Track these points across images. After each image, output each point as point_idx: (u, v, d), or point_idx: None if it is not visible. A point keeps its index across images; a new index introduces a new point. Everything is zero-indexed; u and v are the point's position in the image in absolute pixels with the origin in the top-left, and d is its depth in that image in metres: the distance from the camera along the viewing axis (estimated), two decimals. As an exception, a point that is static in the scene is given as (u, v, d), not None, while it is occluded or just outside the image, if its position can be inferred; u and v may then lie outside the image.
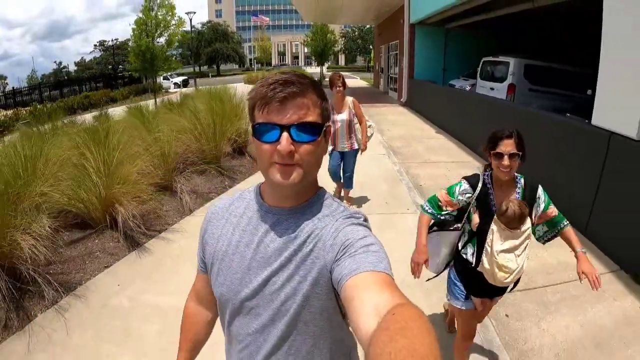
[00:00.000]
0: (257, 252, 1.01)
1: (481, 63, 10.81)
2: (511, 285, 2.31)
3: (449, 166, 7.24)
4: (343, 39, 58.27)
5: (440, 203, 2.24)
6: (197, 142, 6.34)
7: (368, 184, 6.15)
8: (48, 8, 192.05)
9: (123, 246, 4.46)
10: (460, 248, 2.33)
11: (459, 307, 2.36)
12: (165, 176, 5.36)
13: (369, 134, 5.17)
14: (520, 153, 2.05)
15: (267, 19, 68.70)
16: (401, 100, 16.26)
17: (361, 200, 5.67)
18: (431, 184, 6.22)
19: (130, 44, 19.17)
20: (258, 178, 5.36)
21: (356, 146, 5.14)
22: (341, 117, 5.01)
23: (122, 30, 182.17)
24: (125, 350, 3.04)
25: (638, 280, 3.70)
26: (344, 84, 4.92)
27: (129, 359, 2.95)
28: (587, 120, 4.82)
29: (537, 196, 2.17)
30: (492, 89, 9.85)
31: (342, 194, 5.52)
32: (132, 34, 16.37)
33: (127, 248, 4.44)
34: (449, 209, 2.24)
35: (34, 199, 4.03)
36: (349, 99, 5.07)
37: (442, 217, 2.27)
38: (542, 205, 2.17)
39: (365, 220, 1.03)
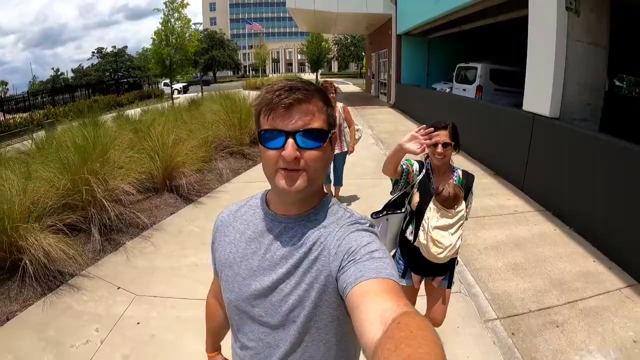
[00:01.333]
0: (263, 260, 1.01)
1: (456, 68, 12.56)
2: (450, 269, 2.60)
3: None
4: (336, 46, 59.28)
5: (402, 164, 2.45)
6: (227, 131, 7.98)
7: (359, 163, 7.76)
8: (41, 15, 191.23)
9: (181, 202, 6.03)
10: (403, 229, 2.61)
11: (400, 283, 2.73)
12: (206, 154, 6.97)
13: (357, 137, 5.69)
14: (453, 143, 2.36)
15: (262, 27, 70.21)
16: (390, 102, 17.95)
17: (354, 172, 7.19)
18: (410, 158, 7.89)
19: (149, 51, 20.67)
20: None
21: (345, 148, 5.58)
22: None
23: (115, 37, 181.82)
24: (204, 251, 4.59)
25: (557, 215, 5.22)
26: (335, 90, 5.43)
27: (207, 255, 4.52)
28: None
29: (472, 189, 2.50)
30: (464, 89, 11.58)
31: (334, 193, 5.83)
32: (152, 43, 18.15)
33: (184, 203, 6.02)
34: (407, 169, 2.44)
35: (114, 165, 5.55)
36: (339, 105, 5.51)
37: (403, 167, 2.44)
38: (471, 196, 2.52)
39: (372, 225, 1.03)
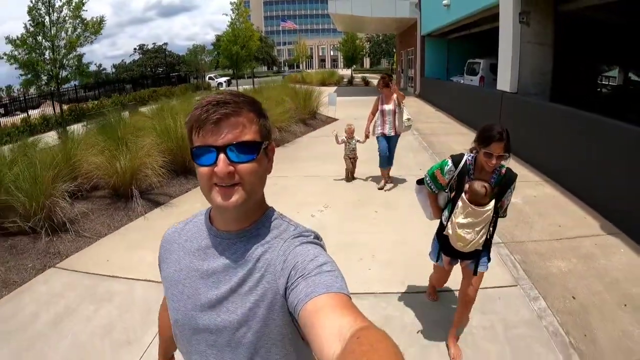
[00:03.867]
0: (207, 278, 1.01)
1: (467, 63, 15.66)
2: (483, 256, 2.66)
3: (436, 123, 12.24)
4: (368, 43, 60.50)
5: (438, 179, 2.62)
6: (295, 107, 11.57)
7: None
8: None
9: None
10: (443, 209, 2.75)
11: (433, 261, 2.93)
12: (286, 119, 10.54)
13: (407, 124, 6.27)
14: (507, 154, 2.32)
15: (295, 25, 73.22)
16: (415, 93, 21.11)
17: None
18: (425, 128, 11.23)
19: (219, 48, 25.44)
20: (326, 130, 10.63)
21: (399, 132, 6.30)
22: (388, 107, 6.10)
23: (148, 34, 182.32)
24: (293, 172, 7.85)
25: (515, 154, 8.26)
26: (387, 83, 6.18)
27: (294, 173, 7.78)
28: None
29: (512, 187, 2.47)
30: (471, 80, 14.69)
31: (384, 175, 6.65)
32: (221, 42, 22.67)
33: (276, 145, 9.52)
34: (443, 184, 2.62)
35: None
36: (394, 94, 6.18)
37: (437, 191, 2.72)
38: (510, 193, 2.50)
39: (317, 237, 1.03)
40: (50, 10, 12.69)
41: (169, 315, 1.11)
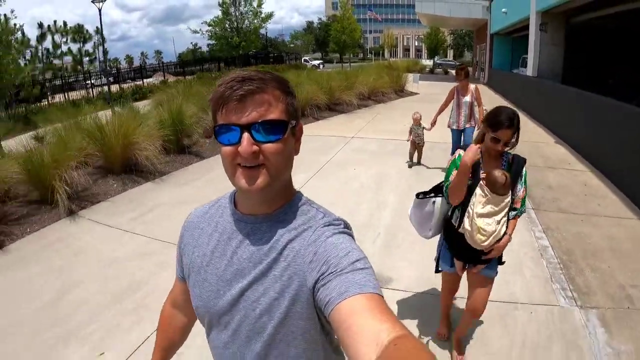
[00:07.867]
0: (231, 264, 0.97)
1: (521, 58, 20.31)
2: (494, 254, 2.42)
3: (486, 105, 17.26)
4: (451, 36, 62.50)
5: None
6: (389, 80, 17.21)
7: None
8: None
9: (375, 103, 15.16)
10: (450, 214, 2.55)
11: (446, 270, 2.70)
12: (384, 88, 16.26)
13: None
14: (514, 140, 2.26)
15: (378, 16, 77.01)
16: (484, 81, 25.79)
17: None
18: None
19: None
20: (409, 98, 16.90)
21: (474, 124, 6.20)
22: (465, 99, 6.15)
23: None
24: (391, 114, 13.62)
25: (532, 116, 13.37)
26: (467, 74, 6.17)
27: (392, 114, 13.48)
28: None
29: (523, 173, 2.36)
30: (523, 71, 19.32)
31: None
32: (331, 32, 31.30)
33: (377, 103, 15.16)
34: None
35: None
36: (472, 86, 6.19)
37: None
38: (522, 182, 2.36)
39: (346, 226, 0.98)
40: (236, 3, 21.62)
41: (192, 302, 1.08)
